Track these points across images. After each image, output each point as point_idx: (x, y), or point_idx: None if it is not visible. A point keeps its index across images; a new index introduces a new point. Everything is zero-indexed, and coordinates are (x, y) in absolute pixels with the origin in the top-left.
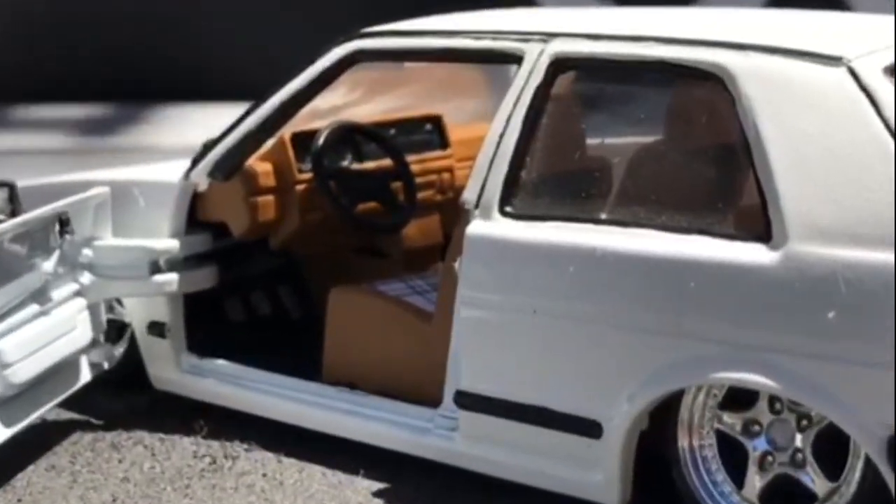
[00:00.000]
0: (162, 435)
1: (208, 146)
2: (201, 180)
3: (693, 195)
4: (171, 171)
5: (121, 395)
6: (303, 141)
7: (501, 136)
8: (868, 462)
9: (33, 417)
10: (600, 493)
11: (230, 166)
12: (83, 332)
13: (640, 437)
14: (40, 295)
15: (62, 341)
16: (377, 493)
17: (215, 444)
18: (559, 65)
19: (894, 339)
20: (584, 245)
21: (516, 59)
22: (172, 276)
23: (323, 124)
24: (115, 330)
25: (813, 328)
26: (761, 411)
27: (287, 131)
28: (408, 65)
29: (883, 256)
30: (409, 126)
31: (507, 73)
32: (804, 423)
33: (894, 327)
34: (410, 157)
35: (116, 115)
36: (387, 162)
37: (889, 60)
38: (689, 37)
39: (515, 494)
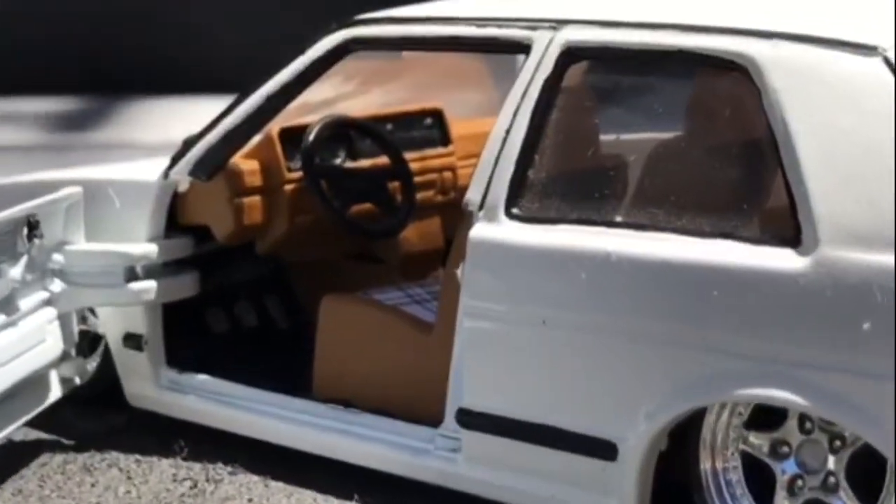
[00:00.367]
0: (138, 456)
1: (189, 142)
2: (182, 180)
3: (716, 196)
4: (149, 170)
5: (94, 413)
6: (292, 137)
7: (508, 131)
8: None
9: None
10: None
11: (213, 164)
12: (53, 345)
13: (658, 460)
14: (7, 304)
15: (30, 354)
16: None
17: (196, 466)
18: (570, 54)
19: None
20: (598, 250)
21: (524, 48)
22: (150, 284)
23: (314, 119)
24: (88, 342)
25: (846, 340)
26: (790, 431)
27: (275, 126)
28: (406, 54)
29: None
30: (407, 121)
31: (513, 63)
32: (837, 443)
33: None
34: (409, 155)
35: (92, 109)
36: (383, 160)
37: None
38: (711, 24)
39: None
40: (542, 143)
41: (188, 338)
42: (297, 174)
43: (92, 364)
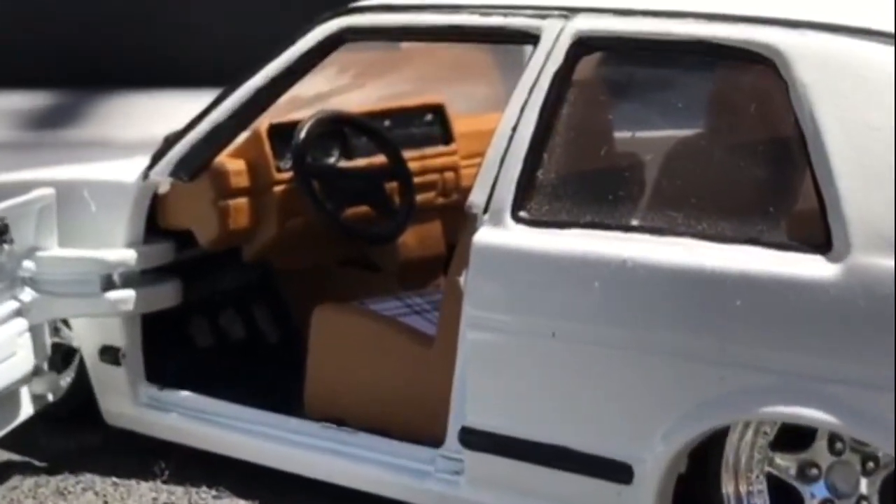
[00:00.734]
0: (115, 479)
1: (171, 140)
2: (162, 180)
3: (739, 198)
4: (128, 170)
5: (68, 432)
6: (282, 134)
7: (514, 128)
8: None
9: None
10: None
11: (196, 164)
12: (24, 359)
13: (677, 483)
14: None
15: (0, 369)
16: None
17: (179, 490)
18: (582, 45)
19: None
20: (612, 256)
21: (532, 38)
22: (128, 294)
23: (306, 114)
24: (62, 356)
25: (879, 353)
26: (820, 452)
27: (264, 123)
28: (405, 45)
29: None
30: (406, 117)
31: (521, 54)
32: (870, 465)
33: None
34: (408, 153)
35: (66, 104)
36: (380, 159)
37: None
38: (734, 12)
39: None
40: (552, 140)
41: (169, 351)
42: (288, 174)
43: (65, 379)
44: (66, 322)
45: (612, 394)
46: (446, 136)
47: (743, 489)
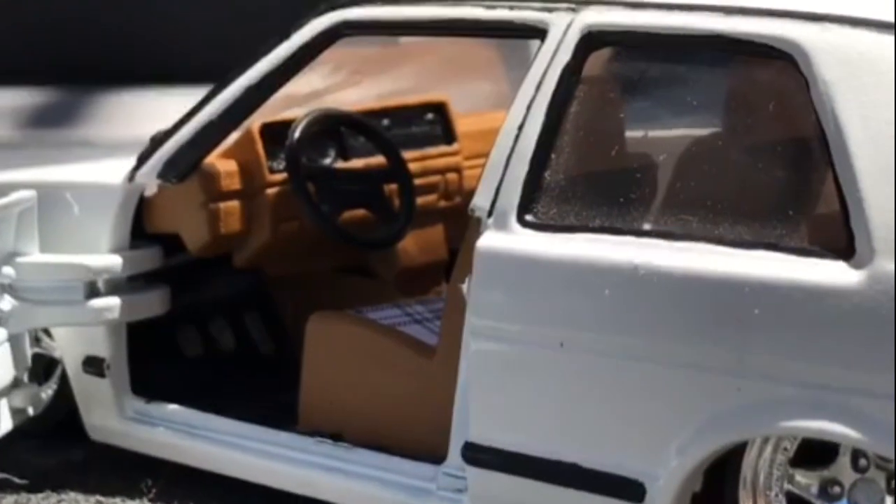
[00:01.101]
0: (100, 497)
1: (158, 140)
2: (149, 182)
3: (757, 201)
4: (113, 171)
5: (49, 447)
6: (275, 133)
7: (520, 127)
8: None
9: None
10: None
11: (185, 165)
12: (3, 370)
13: (691, 501)
14: None
15: None
16: None
17: None
18: (592, 40)
19: None
20: (623, 262)
21: (539, 32)
22: (113, 301)
23: (300, 113)
24: (43, 367)
25: None
26: (842, 469)
27: (256, 122)
28: (404, 40)
29: None
30: (406, 115)
31: (527, 49)
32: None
33: None
34: (408, 154)
35: (48, 102)
36: (378, 159)
37: None
38: (752, 5)
39: None
40: (560, 140)
41: (157, 362)
42: (281, 176)
43: (47, 392)
44: (47, 331)
45: (624, 407)
46: (448, 136)
47: None
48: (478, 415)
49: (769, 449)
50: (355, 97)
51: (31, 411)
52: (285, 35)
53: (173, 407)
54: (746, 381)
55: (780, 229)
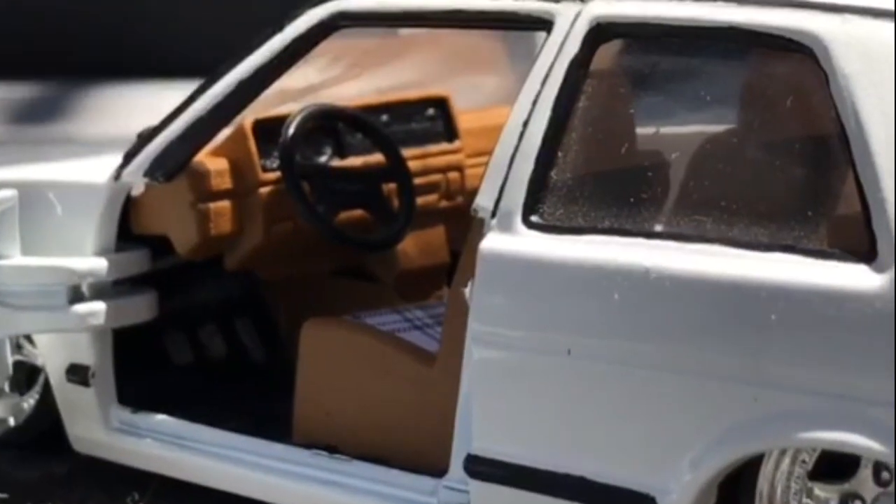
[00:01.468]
0: None
1: (145, 137)
2: (136, 181)
3: (774, 201)
4: (98, 170)
5: (31, 460)
6: (268, 130)
7: (525, 123)
8: None
9: None
10: None
11: (174, 164)
12: None
13: None
14: None
15: None
16: None
17: None
18: (601, 31)
19: None
20: (634, 265)
21: (545, 23)
22: (98, 306)
23: (295, 108)
24: (25, 376)
25: None
26: (864, 482)
27: (248, 118)
28: (404, 31)
29: None
30: (405, 111)
31: (532, 42)
32: None
33: None
34: (407, 152)
35: (30, 97)
36: (377, 157)
37: None
38: None
39: None
40: (567, 137)
41: (144, 370)
42: (275, 175)
43: (29, 402)
44: (29, 338)
45: (634, 418)
46: (450, 133)
47: None
48: (481, 425)
49: (787, 461)
50: (353, 92)
51: (12, 422)
52: (279, 27)
53: (161, 417)
54: (763, 390)
55: (799, 231)
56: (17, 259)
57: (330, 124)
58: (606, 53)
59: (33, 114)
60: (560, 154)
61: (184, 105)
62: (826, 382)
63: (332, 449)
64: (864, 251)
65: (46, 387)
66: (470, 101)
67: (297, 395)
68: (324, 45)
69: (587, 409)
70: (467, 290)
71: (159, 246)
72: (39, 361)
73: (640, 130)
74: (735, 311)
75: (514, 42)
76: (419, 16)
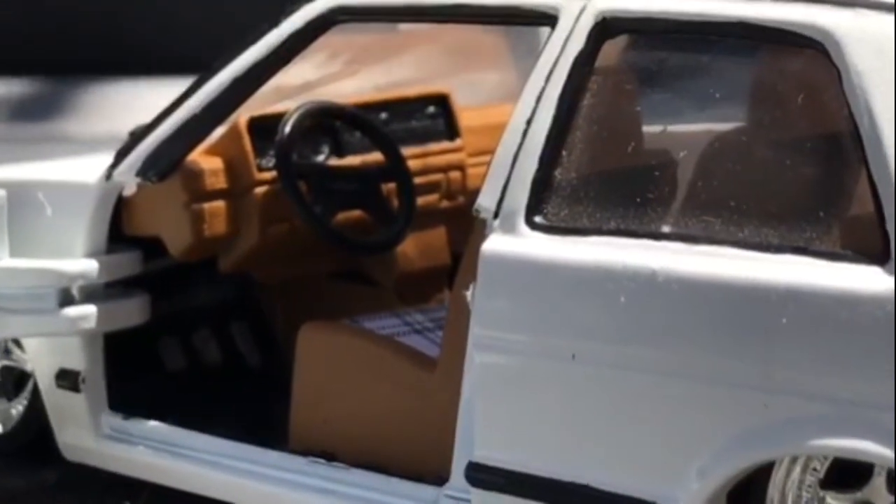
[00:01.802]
0: None
1: (137, 135)
2: (128, 181)
3: (785, 202)
4: (89, 169)
5: (20, 467)
6: (264, 128)
7: (529, 121)
8: None
9: None
10: None
11: (166, 163)
12: None
13: None
14: None
15: None
16: None
17: None
18: (606, 27)
19: None
20: (641, 268)
21: (549, 18)
22: (89, 310)
23: (291, 106)
24: (13, 381)
25: None
26: (877, 491)
27: (243, 115)
28: (404, 27)
29: None
30: (405, 108)
31: (536, 37)
32: None
33: None
34: (407, 150)
35: (21, 94)
36: (376, 156)
37: None
38: None
39: None
40: (572, 136)
41: (136, 376)
42: (271, 174)
43: (17, 408)
44: (17, 342)
45: (640, 424)
46: (451, 131)
47: None
48: (483, 432)
49: (798, 469)
50: (351, 89)
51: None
52: (275, 22)
53: (154, 424)
54: (773, 396)
55: (810, 232)
56: (6, 261)
57: (328, 122)
58: (612, 49)
59: (22, 111)
60: (564, 153)
61: (177, 102)
62: (838, 388)
63: (329, 456)
64: (877, 252)
65: (35, 393)
66: (471, 99)
67: (294, 402)
68: (321, 41)
69: (592, 415)
70: (469, 293)
71: (152, 247)
72: (28, 366)
73: (646, 129)
74: (744, 314)
75: (517, 37)
76: (419, 10)
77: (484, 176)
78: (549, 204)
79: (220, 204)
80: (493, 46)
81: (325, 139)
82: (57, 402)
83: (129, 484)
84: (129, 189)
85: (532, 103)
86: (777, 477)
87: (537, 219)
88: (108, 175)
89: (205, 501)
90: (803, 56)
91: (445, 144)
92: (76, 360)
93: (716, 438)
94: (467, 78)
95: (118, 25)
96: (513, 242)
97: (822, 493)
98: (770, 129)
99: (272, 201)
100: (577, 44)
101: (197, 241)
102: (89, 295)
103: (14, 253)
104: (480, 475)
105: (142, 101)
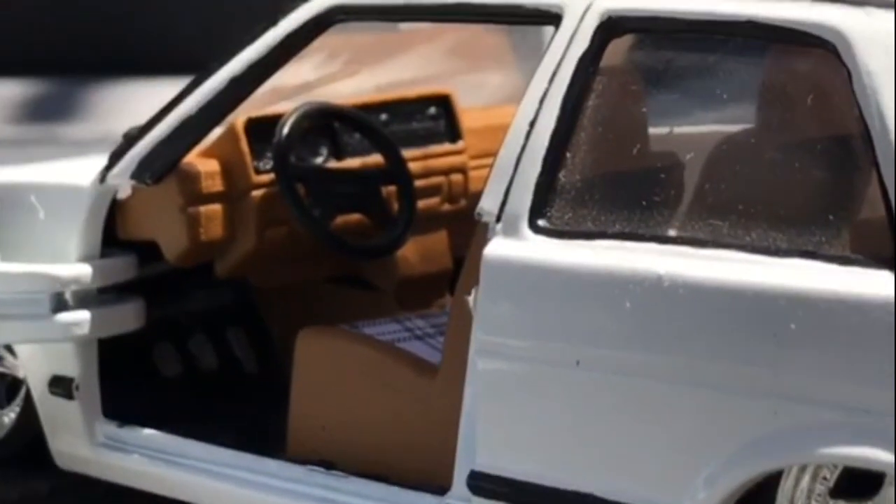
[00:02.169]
0: None
1: (132, 137)
2: (123, 184)
3: (794, 205)
4: (82, 171)
5: (12, 476)
6: (262, 130)
7: (532, 123)
8: None
9: None
10: None
11: (162, 165)
12: None
13: None
14: None
15: None
16: None
17: None
18: (611, 26)
19: None
20: (646, 272)
21: (553, 17)
22: (83, 315)
23: (289, 107)
24: (5, 388)
25: None
26: (888, 500)
27: (240, 117)
28: (405, 26)
29: None
30: (406, 109)
31: (540, 37)
32: None
33: None
34: (408, 152)
35: (13, 95)
36: (376, 159)
37: None
38: None
39: None
40: (576, 137)
41: (131, 383)
42: (268, 177)
43: (9, 416)
44: (10, 348)
45: (646, 432)
46: (453, 133)
47: None
48: (485, 440)
49: (807, 478)
50: (350, 89)
51: None
52: (273, 21)
53: (149, 432)
54: (782, 403)
55: (820, 236)
56: None
57: (326, 124)
58: (618, 49)
59: (12, 112)
60: (569, 155)
61: (173, 103)
62: (848, 395)
63: (328, 465)
64: (888, 257)
65: (28, 400)
66: (474, 100)
67: (292, 409)
68: (320, 41)
69: (597, 423)
70: (471, 298)
71: (147, 252)
72: (21, 373)
73: (652, 130)
74: (753, 320)
75: (521, 37)
76: (420, 9)
77: (486, 178)
78: (552, 207)
79: (216, 207)
80: (495, 46)
81: (323, 141)
82: (50, 409)
83: (124, 493)
84: (124, 192)
85: (535, 104)
86: (786, 486)
87: (541, 222)
88: (103, 178)
89: None
90: (813, 56)
91: (447, 146)
92: (70, 366)
93: (724, 447)
94: (469, 79)
95: (118, 26)
96: (516, 246)
97: (831, 503)
98: (778, 131)
99: (270, 204)
100: (582, 43)
101: (193, 245)
102: (83, 300)
103: (6, 257)
104: (483, 484)
105: (142, 102)
